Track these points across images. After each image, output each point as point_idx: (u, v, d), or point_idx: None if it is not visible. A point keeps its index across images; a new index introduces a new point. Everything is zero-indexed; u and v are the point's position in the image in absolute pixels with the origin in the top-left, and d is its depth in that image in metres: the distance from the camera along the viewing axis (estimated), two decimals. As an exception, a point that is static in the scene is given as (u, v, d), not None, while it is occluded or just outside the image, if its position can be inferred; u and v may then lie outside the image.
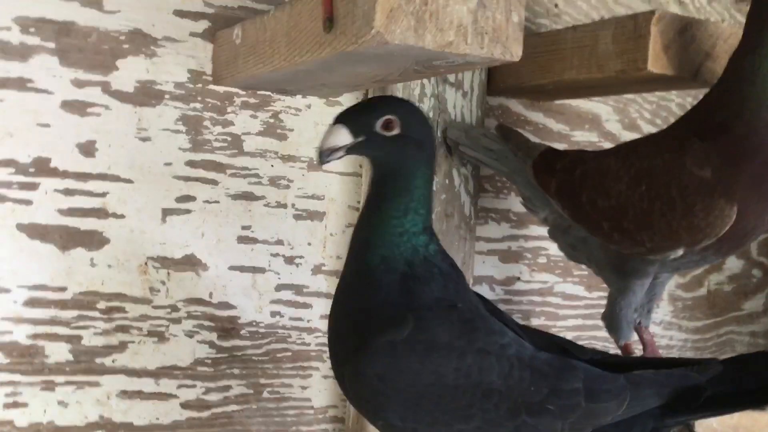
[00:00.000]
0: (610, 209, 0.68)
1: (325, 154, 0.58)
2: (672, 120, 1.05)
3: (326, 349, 0.83)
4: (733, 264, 1.12)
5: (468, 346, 0.57)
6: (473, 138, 0.82)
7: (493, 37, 0.56)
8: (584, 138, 1.00)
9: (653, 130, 1.04)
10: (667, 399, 0.58)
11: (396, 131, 0.58)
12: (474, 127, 0.84)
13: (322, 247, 0.84)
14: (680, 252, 0.66)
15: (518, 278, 0.96)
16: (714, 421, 0.63)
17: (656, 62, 0.68)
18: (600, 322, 0.78)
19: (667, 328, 1.07)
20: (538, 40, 0.81)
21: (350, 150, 0.58)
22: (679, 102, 1.06)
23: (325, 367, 0.84)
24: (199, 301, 0.78)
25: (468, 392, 0.56)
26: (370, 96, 0.81)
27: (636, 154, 0.69)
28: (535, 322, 0.98)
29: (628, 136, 1.03)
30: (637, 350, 0.79)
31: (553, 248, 0.93)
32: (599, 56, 0.72)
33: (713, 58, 0.71)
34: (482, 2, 0.55)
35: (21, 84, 0.69)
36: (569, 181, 0.73)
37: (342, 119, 0.58)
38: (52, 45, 0.70)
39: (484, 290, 0.94)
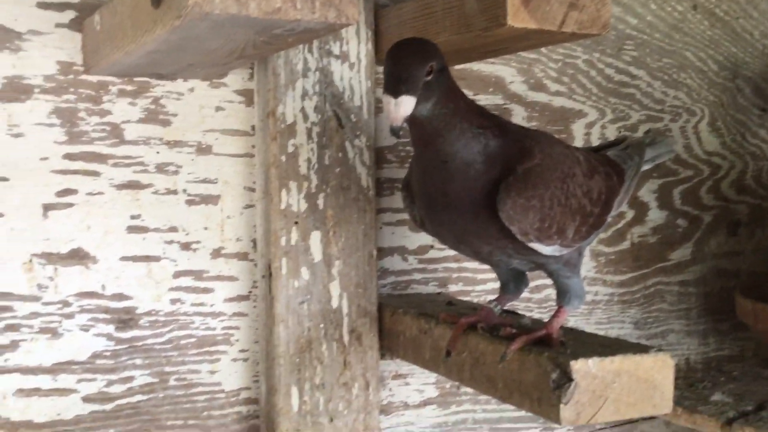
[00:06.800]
0: None
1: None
2: (580, 78, 1.06)
3: (233, 332, 0.84)
4: (656, 216, 1.13)
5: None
6: None
7: (325, 1, 0.55)
8: (489, 101, 1.00)
9: (561, 88, 1.04)
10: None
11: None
12: None
13: (220, 231, 0.83)
14: None
15: (431, 246, 0.96)
16: (593, 367, 0.62)
17: (516, 16, 0.67)
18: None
19: (591, 283, 1.07)
20: (414, 5, 0.80)
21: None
22: (585, 59, 1.06)
23: (234, 350, 0.84)
24: (91, 295, 0.77)
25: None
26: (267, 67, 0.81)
27: None
28: (453, 288, 0.98)
29: (535, 96, 1.02)
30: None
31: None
32: (467, 16, 0.72)
33: (578, 8, 0.70)
34: (309, -34, 0.54)
35: None
36: None
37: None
38: None
39: (396, 261, 0.94)
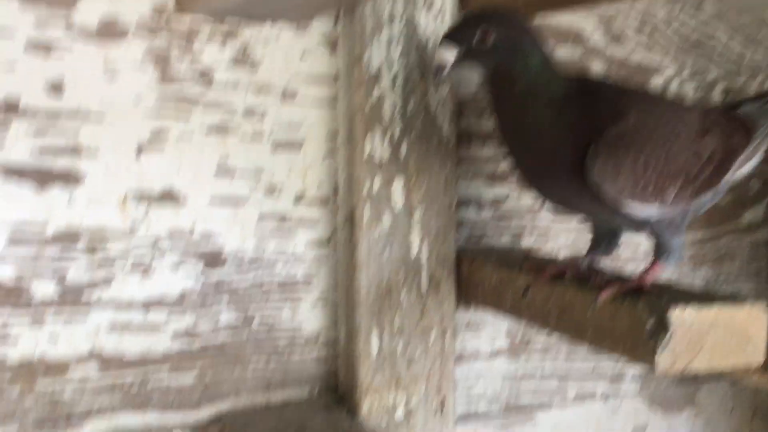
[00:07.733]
0: None
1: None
2: (659, 33, 1.04)
3: (313, 276, 0.85)
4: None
5: None
6: None
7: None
8: (567, 54, 0.98)
9: (643, 40, 1.03)
10: None
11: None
12: None
13: (303, 176, 0.84)
14: None
15: (506, 198, 0.96)
16: (690, 316, 0.62)
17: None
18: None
19: (663, 242, 1.07)
20: (504, -49, 0.79)
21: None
22: (665, 13, 1.04)
23: (314, 294, 0.85)
24: (181, 234, 0.79)
25: None
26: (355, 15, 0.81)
27: None
28: (527, 241, 0.98)
29: (614, 50, 1.01)
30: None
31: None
32: (563, -39, 0.71)
33: (680, -46, 0.69)
34: None
35: (-16, 27, 0.70)
36: None
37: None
38: (10, -14, 0.70)
39: (470, 212, 0.94)
